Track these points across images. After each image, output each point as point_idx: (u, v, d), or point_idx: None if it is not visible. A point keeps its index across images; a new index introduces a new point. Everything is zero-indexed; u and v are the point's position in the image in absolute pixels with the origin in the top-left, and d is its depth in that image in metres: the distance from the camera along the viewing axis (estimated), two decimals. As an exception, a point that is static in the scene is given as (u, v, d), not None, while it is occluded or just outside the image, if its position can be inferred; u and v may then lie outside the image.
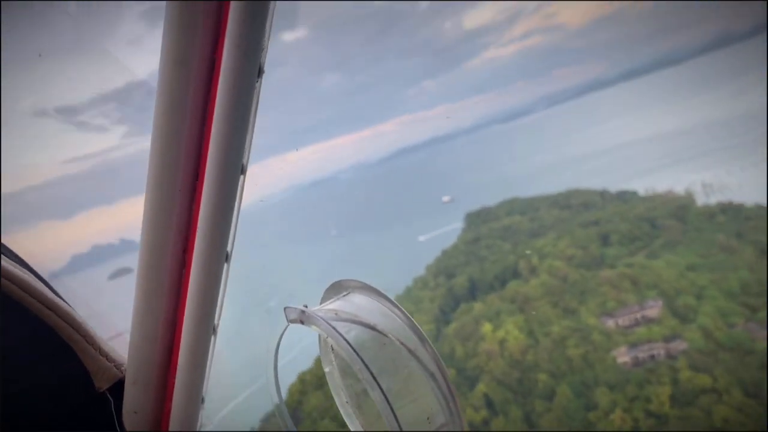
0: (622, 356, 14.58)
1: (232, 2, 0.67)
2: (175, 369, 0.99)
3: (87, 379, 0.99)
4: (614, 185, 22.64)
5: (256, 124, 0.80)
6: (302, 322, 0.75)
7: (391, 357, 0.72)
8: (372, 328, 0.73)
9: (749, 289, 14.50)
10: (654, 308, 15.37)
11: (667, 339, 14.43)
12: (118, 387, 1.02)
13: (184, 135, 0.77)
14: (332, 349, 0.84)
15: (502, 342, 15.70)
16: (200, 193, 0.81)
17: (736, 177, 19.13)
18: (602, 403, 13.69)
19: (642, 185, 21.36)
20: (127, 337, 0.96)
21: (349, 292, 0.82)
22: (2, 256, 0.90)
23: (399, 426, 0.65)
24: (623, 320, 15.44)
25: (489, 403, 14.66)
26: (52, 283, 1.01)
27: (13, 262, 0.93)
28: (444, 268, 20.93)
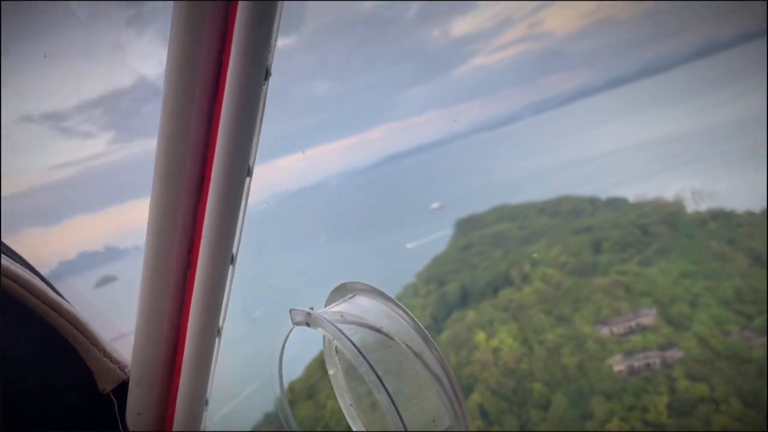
0: (618, 365, 14.49)
1: (239, 3, 0.66)
2: (179, 370, 0.98)
3: (91, 380, 0.99)
4: (603, 192, 22.68)
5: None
6: (308, 325, 0.75)
7: (397, 359, 0.72)
8: (378, 330, 0.73)
9: (743, 297, 14.56)
10: (648, 316, 15.32)
11: (663, 347, 14.37)
12: (121, 388, 1.02)
13: (190, 136, 0.76)
14: (337, 352, 0.84)
15: (496, 351, 15.53)
16: (206, 194, 0.81)
17: (724, 184, 19.33)
18: (598, 413, 13.56)
19: (631, 192, 21.42)
20: (131, 339, 0.96)
21: (354, 295, 0.82)
22: (3, 256, 0.88)
23: (405, 428, 0.65)
24: (618, 328, 15.36)
25: (484, 413, 14.47)
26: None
27: (15, 262, 0.91)
28: (435, 275, 20.76)
